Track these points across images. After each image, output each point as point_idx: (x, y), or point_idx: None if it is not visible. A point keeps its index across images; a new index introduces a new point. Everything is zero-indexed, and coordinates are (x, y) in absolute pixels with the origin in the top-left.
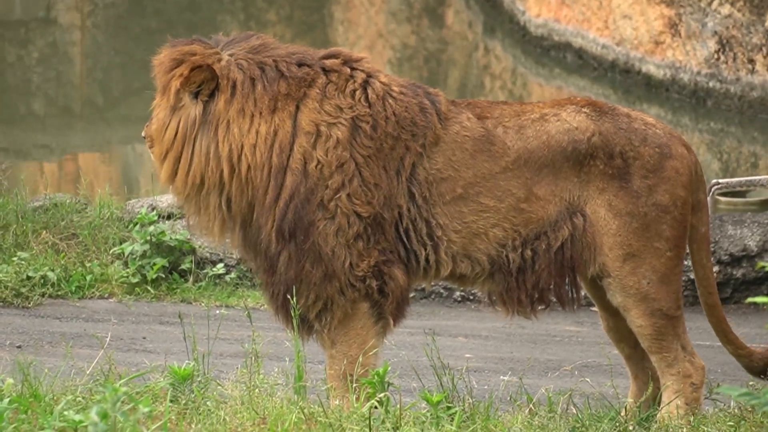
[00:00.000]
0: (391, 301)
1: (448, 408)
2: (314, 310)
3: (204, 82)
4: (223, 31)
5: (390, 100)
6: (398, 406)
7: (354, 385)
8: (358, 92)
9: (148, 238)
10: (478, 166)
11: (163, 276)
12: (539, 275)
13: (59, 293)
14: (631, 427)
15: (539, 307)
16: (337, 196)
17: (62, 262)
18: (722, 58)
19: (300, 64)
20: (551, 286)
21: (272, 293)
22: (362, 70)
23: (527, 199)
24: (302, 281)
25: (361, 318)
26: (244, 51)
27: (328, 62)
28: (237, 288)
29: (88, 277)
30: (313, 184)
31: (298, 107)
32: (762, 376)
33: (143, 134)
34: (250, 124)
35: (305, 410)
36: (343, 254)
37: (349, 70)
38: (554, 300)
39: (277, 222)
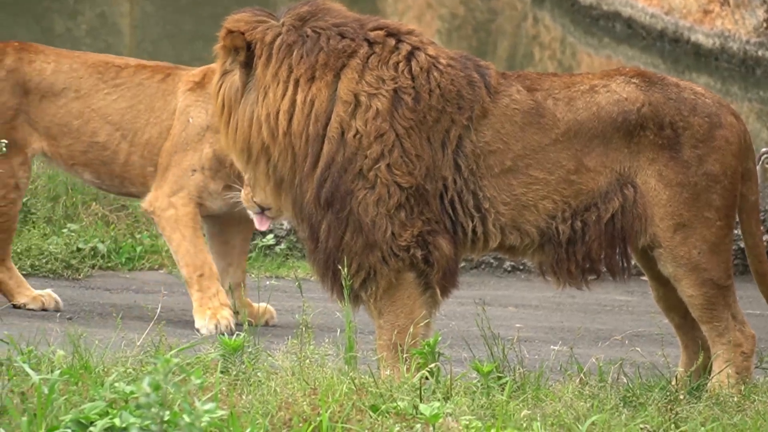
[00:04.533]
0: (437, 270)
1: (499, 378)
2: (358, 280)
3: (239, 48)
4: (281, 2)
5: (435, 73)
6: (449, 376)
7: (404, 355)
8: (401, 64)
9: None
10: (528, 139)
11: None
12: (589, 246)
13: (109, 265)
14: (681, 397)
15: (590, 278)
16: (377, 166)
17: (112, 234)
18: None
19: (342, 36)
20: (602, 257)
21: (316, 261)
22: (408, 43)
23: (577, 171)
24: (343, 250)
25: (406, 288)
26: (290, 18)
27: (373, 34)
28: (287, 259)
29: (138, 249)
30: (351, 153)
31: (337, 77)
32: None
33: None
34: (285, 91)
35: (356, 381)
36: (384, 224)
37: (394, 42)
38: (605, 270)
39: (315, 190)
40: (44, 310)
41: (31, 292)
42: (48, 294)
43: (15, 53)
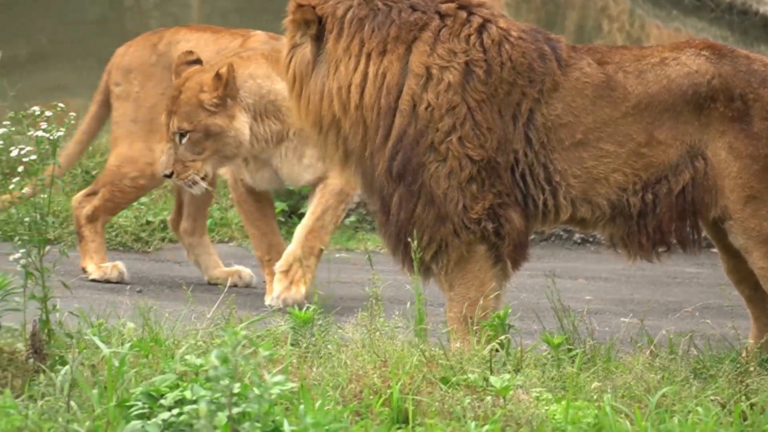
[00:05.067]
0: (508, 243)
1: (569, 350)
2: (429, 252)
3: (309, 22)
4: None
5: (506, 46)
6: (519, 348)
7: (475, 327)
8: (473, 37)
9: None
10: (599, 112)
11: (283, 220)
12: (660, 219)
13: None
14: (752, 368)
15: (660, 250)
16: (448, 138)
17: None
18: None
19: (414, 9)
20: (672, 230)
21: (387, 234)
22: (480, 15)
23: (648, 144)
24: (415, 223)
25: (477, 260)
26: None
27: (444, 6)
28: (357, 231)
29: (208, 221)
30: (422, 126)
31: (408, 50)
32: None
33: None
34: (357, 64)
35: (426, 353)
36: (455, 197)
37: (465, 14)
38: (675, 242)
39: (387, 163)
40: (107, 281)
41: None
42: (113, 265)
43: (168, 36)
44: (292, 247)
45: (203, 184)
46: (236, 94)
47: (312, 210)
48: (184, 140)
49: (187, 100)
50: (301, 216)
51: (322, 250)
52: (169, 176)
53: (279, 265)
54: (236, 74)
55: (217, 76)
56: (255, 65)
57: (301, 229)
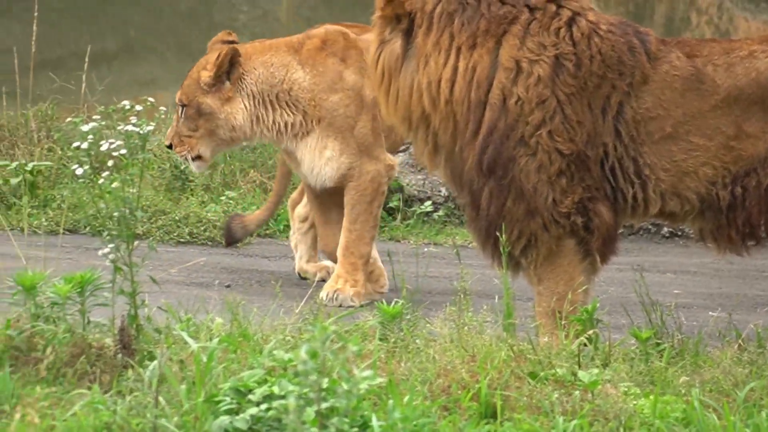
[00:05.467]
0: (597, 237)
1: (657, 344)
2: (518, 247)
3: (399, 17)
4: None
5: (596, 39)
6: (607, 342)
7: (563, 321)
8: (562, 30)
9: None
10: (688, 105)
11: None
12: (750, 212)
13: (267, 232)
14: None
15: (749, 244)
16: (538, 132)
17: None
18: None
19: (503, 2)
20: (762, 223)
21: (476, 228)
22: (569, 8)
23: (737, 137)
24: (505, 217)
25: (567, 254)
26: None
27: (534, 0)
28: (445, 225)
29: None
30: (512, 120)
31: (498, 44)
32: None
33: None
34: (446, 59)
35: (514, 347)
36: (545, 191)
37: (555, 7)
38: (764, 236)
39: (477, 157)
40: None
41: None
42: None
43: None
44: (336, 269)
45: (192, 165)
46: (237, 77)
47: (344, 224)
48: (183, 114)
49: (191, 75)
50: (390, 211)
51: (368, 258)
52: (170, 147)
53: (328, 282)
54: (244, 60)
55: (218, 57)
56: (272, 53)
57: (339, 249)
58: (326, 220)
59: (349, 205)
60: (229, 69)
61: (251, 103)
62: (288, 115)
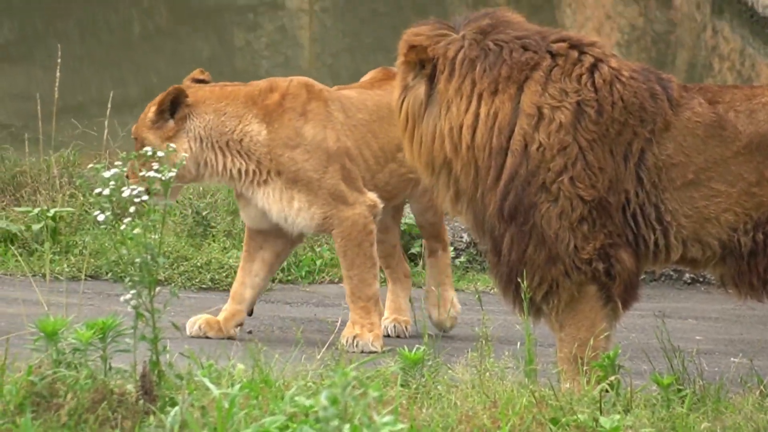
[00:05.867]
0: (618, 283)
1: (679, 390)
2: (540, 293)
3: (422, 63)
4: (456, 13)
5: (618, 86)
6: (629, 388)
7: (584, 367)
8: (584, 77)
9: None
10: (710, 152)
11: None
12: None
13: (289, 278)
14: None
15: None
16: (560, 179)
17: None
18: None
19: (525, 48)
20: None
21: (498, 274)
22: (591, 55)
23: (759, 183)
24: (526, 263)
25: (588, 301)
26: (472, 32)
27: (556, 46)
28: (467, 272)
29: (318, 262)
30: (534, 166)
31: (520, 90)
32: None
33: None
34: (468, 105)
35: (536, 394)
36: (566, 237)
37: (577, 54)
38: None
39: (498, 203)
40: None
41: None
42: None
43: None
44: (351, 316)
45: (134, 193)
46: (181, 117)
47: (343, 272)
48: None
49: (145, 111)
50: (412, 257)
51: (377, 298)
52: (128, 178)
53: (345, 328)
54: (196, 102)
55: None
56: (228, 102)
57: (347, 298)
58: (245, 266)
59: (340, 253)
60: (171, 108)
61: (197, 145)
62: (240, 163)
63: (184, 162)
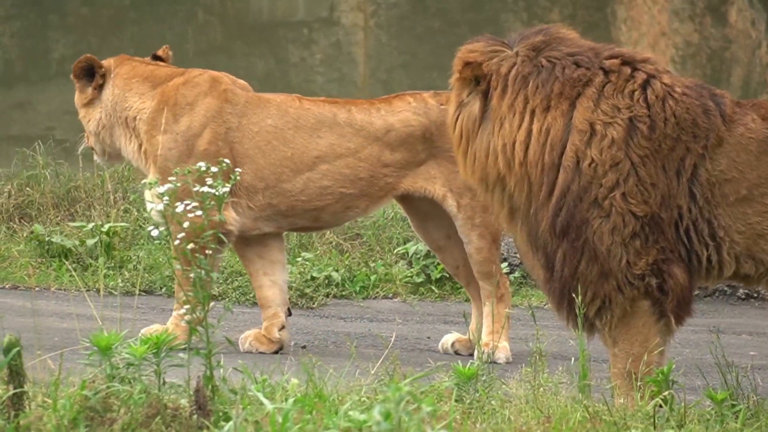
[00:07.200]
0: (671, 299)
1: (733, 406)
2: (593, 308)
3: (477, 79)
4: (511, 30)
5: (670, 102)
6: (682, 404)
7: (638, 383)
8: (637, 93)
9: None
10: (763, 168)
11: (447, 276)
12: None
13: (343, 293)
14: None
15: None
16: (612, 194)
17: (346, 263)
18: None
19: (578, 65)
20: None
21: (551, 290)
22: (644, 71)
23: None
24: (579, 279)
25: (641, 316)
26: (525, 48)
27: (608, 62)
28: (521, 287)
29: (373, 277)
30: (586, 182)
31: (572, 106)
32: None
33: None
34: (521, 121)
35: (590, 409)
36: (619, 253)
37: (629, 70)
38: None
39: (550, 219)
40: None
41: None
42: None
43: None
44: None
45: (86, 149)
46: (95, 86)
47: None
48: None
49: None
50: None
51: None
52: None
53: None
54: (114, 75)
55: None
56: (139, 80)
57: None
58: (249, 270)
59: None
60: (86, 75)
61: (106, 117)
62: (134, 142)
63: (238, 174)
